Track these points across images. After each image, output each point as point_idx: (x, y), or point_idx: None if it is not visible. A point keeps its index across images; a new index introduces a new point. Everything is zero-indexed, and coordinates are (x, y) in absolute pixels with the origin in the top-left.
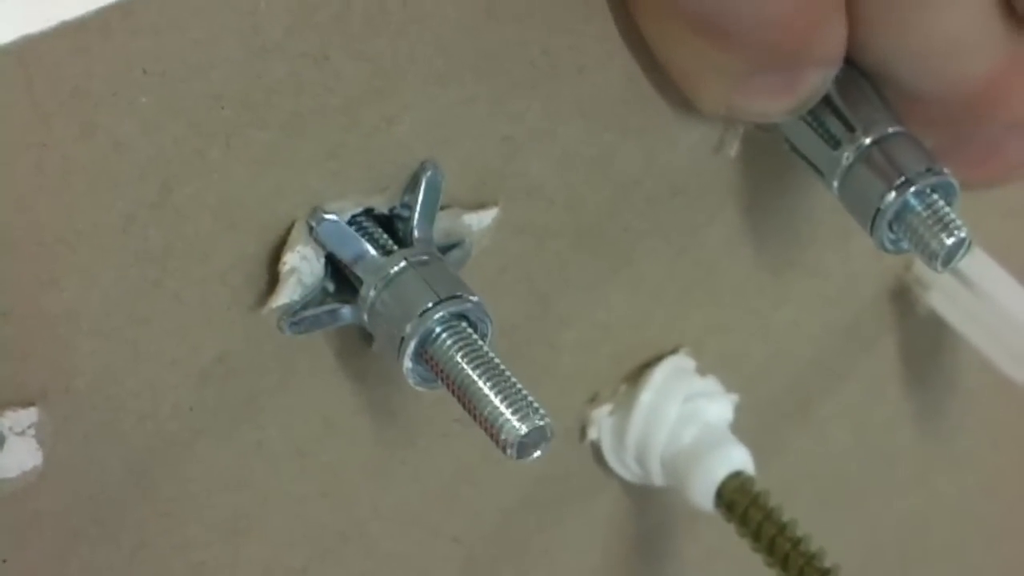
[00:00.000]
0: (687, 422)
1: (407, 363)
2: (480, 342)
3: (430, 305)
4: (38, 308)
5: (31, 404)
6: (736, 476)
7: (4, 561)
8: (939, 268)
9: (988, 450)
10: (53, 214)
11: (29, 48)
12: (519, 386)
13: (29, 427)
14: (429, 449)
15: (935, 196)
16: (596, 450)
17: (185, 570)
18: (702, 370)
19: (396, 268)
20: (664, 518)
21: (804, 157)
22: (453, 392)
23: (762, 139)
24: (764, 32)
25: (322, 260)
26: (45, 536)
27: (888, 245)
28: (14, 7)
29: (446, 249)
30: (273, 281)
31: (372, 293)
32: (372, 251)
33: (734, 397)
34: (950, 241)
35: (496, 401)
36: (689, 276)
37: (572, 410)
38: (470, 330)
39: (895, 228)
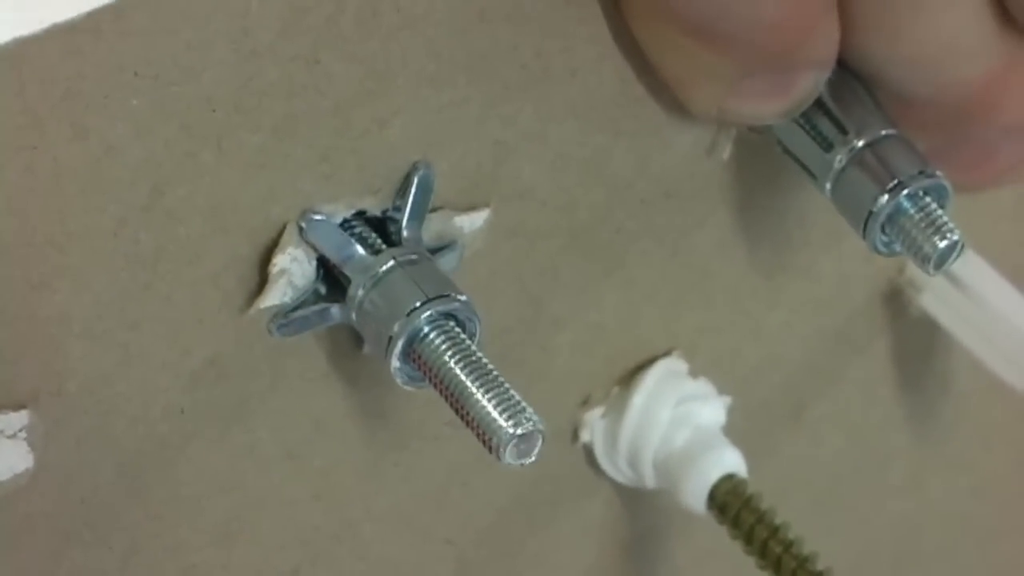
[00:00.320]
0: (679, 424)
1: (395, 362)
2: (468, 341)
3: (418, 304)
4: (29, 311)
5: (22, 407)
6: (729, 479)
7: None
8: (931, 271)
9: (981, 452)
10: (44, 217)
11: (20, 51)
12: (510, 389)
13: (20, 430)
14: (421, 451)
15: (928, 199)
16: (588, 452)
17: (177, 573)
18: (694, 372)
19: (384, 267)
20: (656, 521)
21: (797, 159)
22: (442, 393)
23: (755, 141)
24: (756, 35)
25: (313, 263)
26: (37, 539)
27: (881, 248)
28: (5, 10)
29: (437, 251)
30: (264, 283)
31: (360, 292)
32: (361, 251)
33: (726, 399)
34: (943, 244)
35: (487, 405)
36: (682, 278)
37: (564, 412)
38: (458, 329)
39: (888, 231)
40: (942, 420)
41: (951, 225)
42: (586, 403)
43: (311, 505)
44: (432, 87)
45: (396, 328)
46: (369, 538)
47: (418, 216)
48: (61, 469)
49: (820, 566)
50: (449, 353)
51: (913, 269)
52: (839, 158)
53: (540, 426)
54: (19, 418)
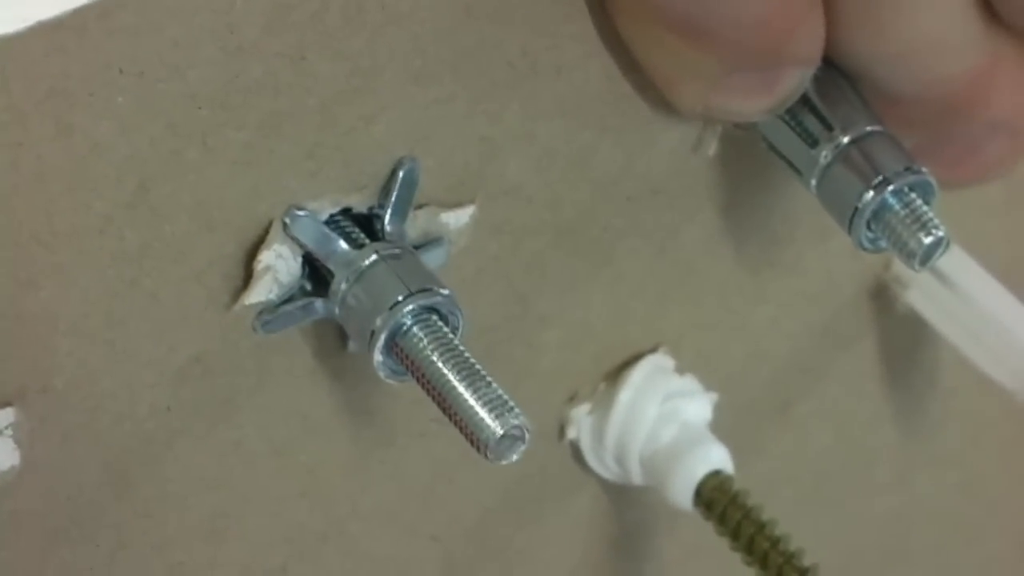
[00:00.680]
0: (666, 421)
1: (378, 356)
2: (451, 335)
3: (400, 298)
4: (15, 308)
5: (8, 404)
6: (715, 475)
7: None
8: (917, 267)
9: (968, 448)
10: (29, 214)
11: (5, 48)
12: (495, 386)
13: (6, 427)
14: (407, 448)
15: (913, 195)
16: (575, 449)
17: (164, 570)
18: (681, 369)
19: (367, 261)
20: (643, 517)
21: (782, 156)
22: (425, 388)
23: (740, 138)
24: (741, 32)
25: (299, 259)
26: (23, 536)
27: (866, 244)
28: None
29: (423, 247)
30: (249, 280)
31: (343, 287)
32: (344, 245)
33: (713, 396)
34: (928, 240)
35: (473, 402)
36: (668, 275)
37: (551, 409)
38: (441, 323)
39: (873, 227)
40: (929, 416)
41: (936, 221)
42: (573, 400)
43: (298, 502)
44: (418, 84)
45: (379, 322)
46: (356, 535)
47: (402, 211)
48: (47, 466)
49: (807, 562)
50: (432, 347)
51: (899, 265)
52: (824, 154)
53: (526, 423)
54: (5, 415)
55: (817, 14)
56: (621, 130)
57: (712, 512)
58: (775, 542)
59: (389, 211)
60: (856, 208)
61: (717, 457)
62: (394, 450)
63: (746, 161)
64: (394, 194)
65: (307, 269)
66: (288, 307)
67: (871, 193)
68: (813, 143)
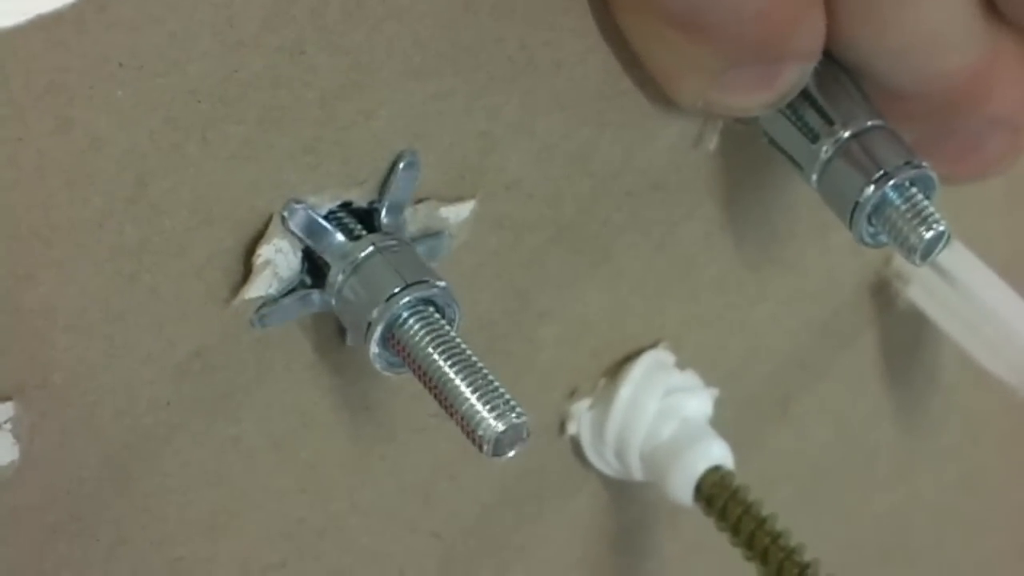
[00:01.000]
0: (666, 417)
1: (374, 348)
2: (447, 327)
3: (397, 290)
4: (14, 303)
5: (7, 399)
6: (715, 471)
7: None
8: (918, 262)
9: (968, 445)
10: (28, 209)
11: (4, 42)
12: (494, 381)
13: (5, 422)
14: (407, 444)
15: (914, 189)
16: (575, 445)
17: (163, 565)
18: (681, 364)
19: (364, 253)
20: (644, 513)
21: (783, 150)
22: (422, 380)
23: (741, 133)
24: (742, 26)
25: (299, 254)
26: (22, 531)
27: (867, 239)
28: None
29: (421, 239)
30: (248, 275)
31: (340, 278)
32: (341, 237)
33: (713, 391)
34: (929, 235)
35: (472, 398)
36: (668, 270)
37: (551, 405)
38: (437, 315)
39: (874, 221)
40: (929, 412)
41: (937, 216)
42: (573, 395)
43: (297, 498)
44: (417, 79)
45: (375, 314)
46: (355, 531)
47: (400, 203)
48: (47, 461)
49: (807, 558)
50: (428, 339)
51: (900, 261)
52: (825, 149)
53: (525, 419)
54: (4, 410)
55: (818, 9)
56: (621, 125)
57: (712, 508)
58: (776, 537)
59: (387, 203)
60: (857, 202)
61: (718, 453)
62: (393, 446)
63: (746, 156)
64: (392, 186)
65: (307, 264)
66: (285, 300)
67: (872, 187)
68: (814, 138)
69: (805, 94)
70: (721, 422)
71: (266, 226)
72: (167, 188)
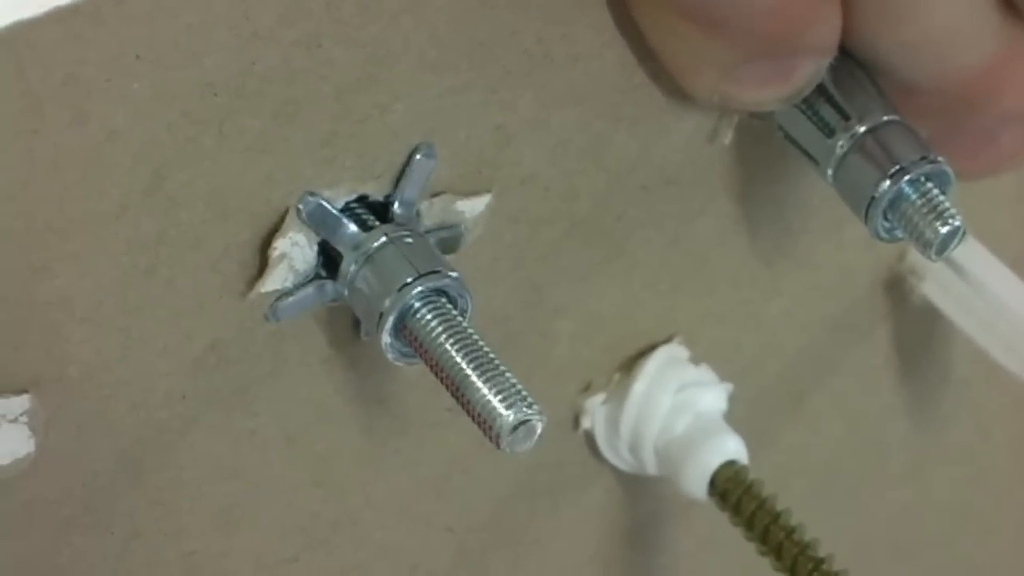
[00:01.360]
0: (680, 411)
1: (386, 338)
2: (459, 318)
3: (409, 280)
4: (30, 296)
5: (23, 392)
6: (730, 465)
7: None
8: (933, 257)
9: (980, 441)
10: (45, 201)
11: (22, 34)
12: (508, 374)
13: (21, 415)
14: (421, 438)
15: (929, 184)
16: (590, 439)
17: (177, 559)
18: (695, 359)
19: (376, 243)
20: (657, 507)
21: (798, 145)
22: (433, 369)
23: (756, 128)
24: (758, 21)
25: (315, 247)
26: (37, 524)
27: (883, 233)
28: None
29: (436, 231)
30: (264, 268)
31: (352, 268)
32: (354, 227)
33: (728, 386)
34: (944, 229)
35: (485, 391)
36: (682, 265)
37: (565, 399)
38: (449, 306)
39: (890, 216)
40: (942, 408)
41: (953, 211)
42: (587, 390)
43: (311, 491)
44: (433, 72)
45: (387, 303)
46: (369, 525)
47: (414, 194)
48: (62, 454)
49: (821, 552)
50: (440, 329)
51: (914, 256)
52: (841, 144)
53: (539, 413)
54: (20, 403)
55: (833, 3)
56: (636, 119)
57: (726, 502)
58: (790, 532)
59: (401, 194)
60: (873, 197)
61: (732, 447)
62: (408, 439)
63: (761, 151)
64: (408, 177)
65: (322, 257)
66: (298, 292)
67: (888, 182)
68: (830, 133)
69: (821, 89)
70: (735, 417)
71: (282, 219)
72: (183, 181)
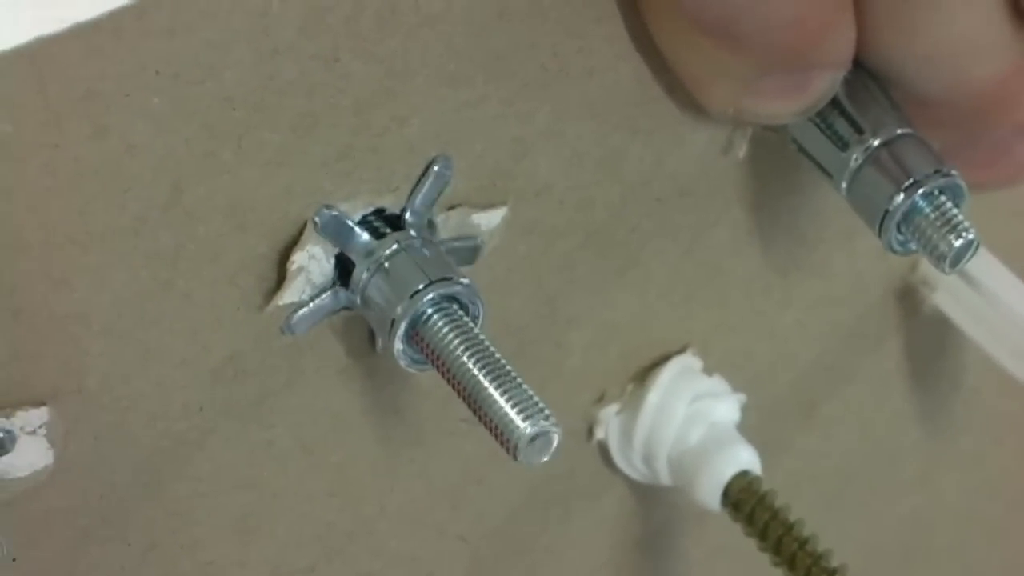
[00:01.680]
0: (694, 422)
1: (398, 344)
2: (471, 324)
3: (421, 287)
4: (49, 308)
5: (42, 404)
6: (743, 476)
7: (14, 560)
8: (947, 269)
9: (991, 449)
10: (64, 215)
11: (42, 49)
12: (523, 385)
13: (40, 427)
14: (436, 448)
15: (943, 198)
16: (603, 450)
17: (194, 569)
18: (709, 370)
19: (388, 251)
20: (669, 516)
21: (812, 158)
22: (445, 376)
23: (770, 140)
24: (773, 35)
25: (332, 260)
26: (55, 535)
27: (896, 247)
28: (28, 9)
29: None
30: (282, 281)
31: (364, 275)
32: (366, 236)
33: (741, 397)
34: (958, 243)
35: (502, 402)
36: (696, 276)
37: (579, 410)
38: (461, 312)
39: (903, 229)
40: (953, 416)
41: (966, 224)
42: (601, 400)
43: (327, 502)
44: (450, 86)
45: (399, 310)
46: (384, 535)
47: (427, 203)
48: (80, 465)
49: (835, 563)
50: (452, 336)
51: (926, 267)
52: (855, 157)
53: (556, 425)
54: (39, 415)
55: (848, 17)
56: (651, 132)
57: (740, 513)
58: (803, 543)
59: (415, 202)
60: (887, 211)
61: (745, 458)
62: (423, 449)
63: (775, 162)
64: (423, 187)
65: (338, 270)
66: (311, 303)
67: (901, 196)
68: (843, 146)
69: (835, 102)
70: (747, 425)
71: (300, 232)
72: (202, 195)
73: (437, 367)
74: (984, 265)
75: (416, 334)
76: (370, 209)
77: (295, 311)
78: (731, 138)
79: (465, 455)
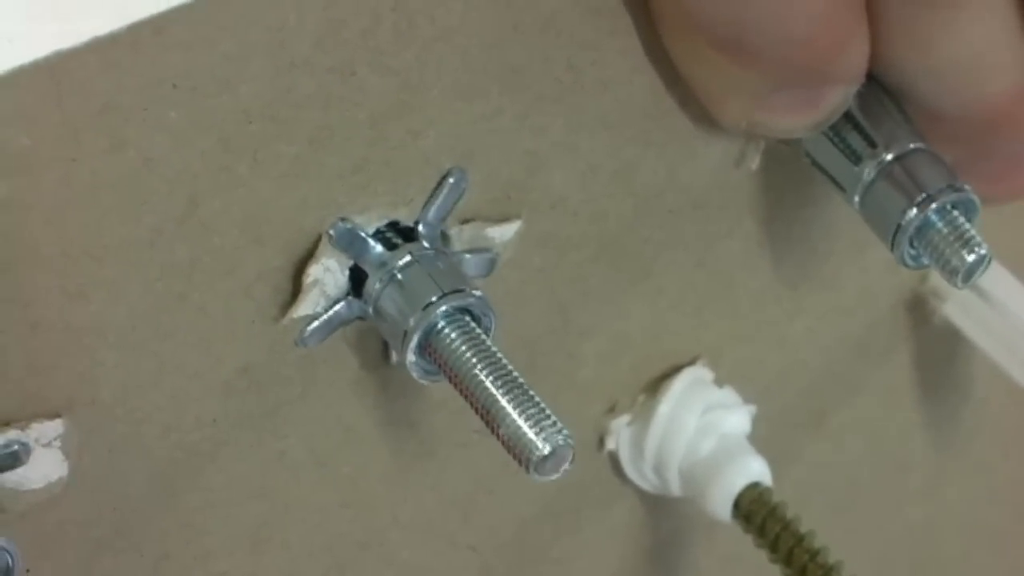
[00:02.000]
0: (705, 433)
1: (410, 356)
2: (483, 336)
3: (434, 299)
4: (65, 321)
5: (57, 416)
6: (754, 487)
7: (28, 571)
8: (960, 284)
9: (998, 458)
10: (81, 228)
11: (61, 63)
12: (536, 398)
13: (55, 439)
14: (448, 459)
15: (956, 213)
16: (614, 460)
17: None
18: (719, 380)
19: (401, 262)
20: (679, 526)
21: (825, 172)
22: (458, 387)
23: (783, 152)
24: (787, 51)
25: (346, 272)
26: (69, 546)
27: (908, 261)
28: (46, 22)
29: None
30: (297, 293)
31: (377, 287)
32: (380, 247)
33: (752, 408)
34: (971, 258)
35: (516, 417)
36: (707, 287)
37: (590, 420)
38: (473, 324)
39: (916, 244)
40: (961, 426)
41: (979, 239)
42: (612, 411)
43: (339, 512)
44: (466, 99)
45: (412, 322)
46: (395, 545)
47: (440, 214)
48: (94, 477)
49: (845, 574)
50: (464, 348)
51: (936, 278)
52: (868, 171)
53: (571, 441)
54: (54, 427)
55: (863, 32)
56: (665, 144)
57: (751, 524)
58: (814, 554)
59: (429, 213)
60: (899, 225)
61: (756, 469)
62: (435, 461)
63: (787, 174)
64: (437, 199)
65: (352, 282)
66: (324, 315)
67: (914, 211)
68: (856, 160)
69: (848, 116)
70: (757, 435)
71: (315, 245)
72: (218, 208)
73: (450, 379)
74: (994, 276)
75: (429, 346)
76: (384, 221)
77: (308, 323)
78: (744, 150)
79: (476, 466)
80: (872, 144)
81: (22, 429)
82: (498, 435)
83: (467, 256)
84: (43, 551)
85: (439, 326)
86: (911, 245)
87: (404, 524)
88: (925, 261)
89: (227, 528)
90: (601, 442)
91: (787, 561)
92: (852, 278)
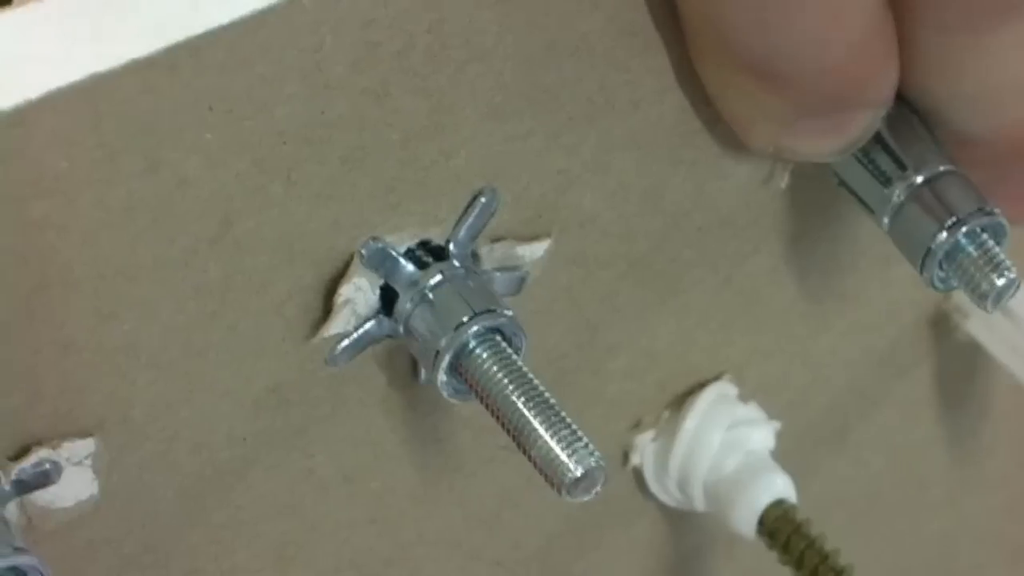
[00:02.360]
0: (730, 449)
1: (442, 376)
2: (515, 356)
3: (465, 319)
4: (98, 341)
5: (88, 435)
6: (779, 504)
7: None
8: (989, 308)
9: (1016, 472)
10: (115, 248)
11: (98, 86)
12: (567, 419)
13: (86, 458)
14: (475, 475)
15: (985, 236)
16: (638, 476)
17: None
18: (744, 396)
19: (433, 281)
20: (702, 541)
21: (854, 193)
22: (489, 407)
23: (810, 170)
24: (818, 78)
25: (377, 292)
26: (99, 564)
27: (938, 284)
28: (84, 45)
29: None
30: (328, 312)
31: (408, 306)
32: (411, 267)
33: (776, 424)
34: (1001, 282)
35: (548, 439)
36: (733, 304)
37: (615, 436)
38: (504, 344)
39: (945, 267)
40: (981, 440)
41: (1009, 263)
42: (637, 427)
43: (366, 528)
44: (498, 119)
45: (443, 343)
46: (421, 560)
47: (471, 234)
48: (124, 495)
49: None
50: (496, 368)
51: (959, 294)
52: (897, 193)
53: (603, 463)
54: (85, 446)
55: (894, 59)
56: (694, 163)
57: (775, 541)
58: (839, 573)
59: (460, 233)
60: (929, 248)
61: (781, 486)
62: (462, 477)
63: (814, 192)
64: (469, 218)
65: (383, 302)
66: (355, 332)
67: (944, 234)
68: (886, 182)
69: (877, 138)
70: (779, 449)
71: (347, 264)
72: (251, 227)
73: (481, 400)
74: (1018, 295)
75: (460, 366)
76: (416, 241)
77: (339, 341)
78: (772, 169)
79: (503, 481)
80: (902, 167)
81: (53, 448)
82: (530, 456)
83: (497, 274)
84: (73, 569)
85: (470, 346)
86: (940, 268)
87: (430, 539)
88: (954, 284)
89: (255, 545)
90: (626, 458)
91: None
92: (876, 294)
